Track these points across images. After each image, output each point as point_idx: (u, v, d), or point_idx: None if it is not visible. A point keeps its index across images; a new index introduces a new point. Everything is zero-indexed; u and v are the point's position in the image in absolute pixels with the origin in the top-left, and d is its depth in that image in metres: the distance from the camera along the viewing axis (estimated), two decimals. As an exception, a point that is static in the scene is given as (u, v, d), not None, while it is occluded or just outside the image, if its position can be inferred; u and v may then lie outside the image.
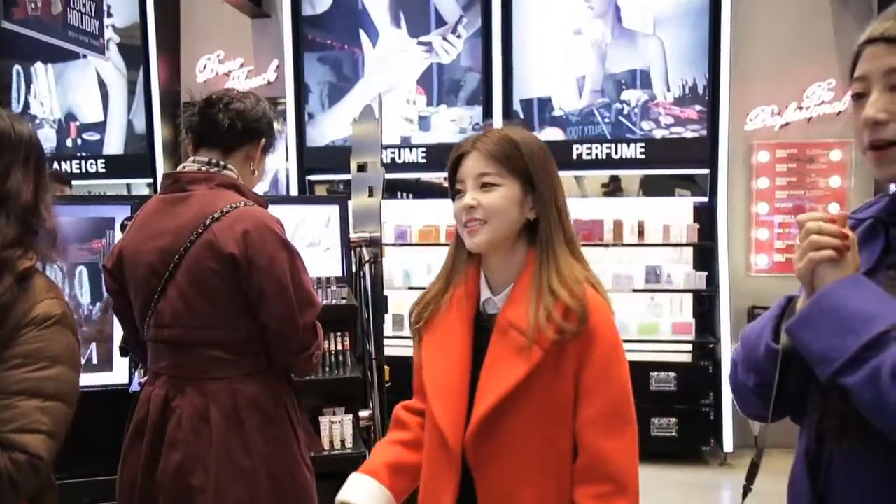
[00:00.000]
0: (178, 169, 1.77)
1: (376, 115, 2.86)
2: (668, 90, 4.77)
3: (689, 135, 4.77)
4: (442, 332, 1.33)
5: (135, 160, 5.66)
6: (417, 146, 5.10)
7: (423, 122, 5.10)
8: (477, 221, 1.27)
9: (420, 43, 5.16)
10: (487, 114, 4.96)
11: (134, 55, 5.56)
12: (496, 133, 1.31)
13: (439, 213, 4.97)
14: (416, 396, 1.45)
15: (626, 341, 1.40)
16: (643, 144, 4.78)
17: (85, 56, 5.66)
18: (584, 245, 1.41)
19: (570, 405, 1.26)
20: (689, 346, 4.70)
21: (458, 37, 5.10)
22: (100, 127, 5.79)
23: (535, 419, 1.25)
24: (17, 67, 5.87)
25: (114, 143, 5.77)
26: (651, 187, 5.11)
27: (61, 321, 1.24)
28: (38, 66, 5.83)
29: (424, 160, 5.02)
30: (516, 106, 4.98)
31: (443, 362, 1.31)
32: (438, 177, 5.19)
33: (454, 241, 1.38)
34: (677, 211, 4.85)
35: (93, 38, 4.17)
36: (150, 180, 5.62)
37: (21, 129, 1.32)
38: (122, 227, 2.46)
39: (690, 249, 4.85)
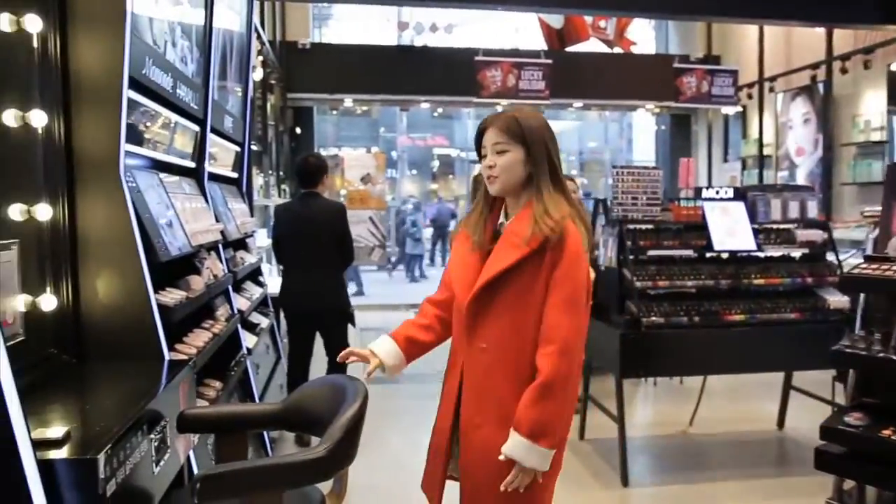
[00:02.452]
0: None
1: None
2: None
3: None
4: (471, 243, 2.01)
5: None
6: None
7: None
8: (493, 177, 1.95)
9: None
10: None
11: None
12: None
13: None
14: (441, 288, 2.14)
15: None
16: None
17: None
18: None
19: (539, 301, 1.88)
20: None
21: None
22: None
23: (513, 297, 1.89)
24: None
25: None
26: None
27: None
28: None
29: None
30: None
31: (469, 258, 2.00)
32: None
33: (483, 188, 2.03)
34: None
35: None
36: None
37: None
38: None
39: None
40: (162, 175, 3.03)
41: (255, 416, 2.14)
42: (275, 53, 9.15)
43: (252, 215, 5.21)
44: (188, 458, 2.39)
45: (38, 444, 1.48)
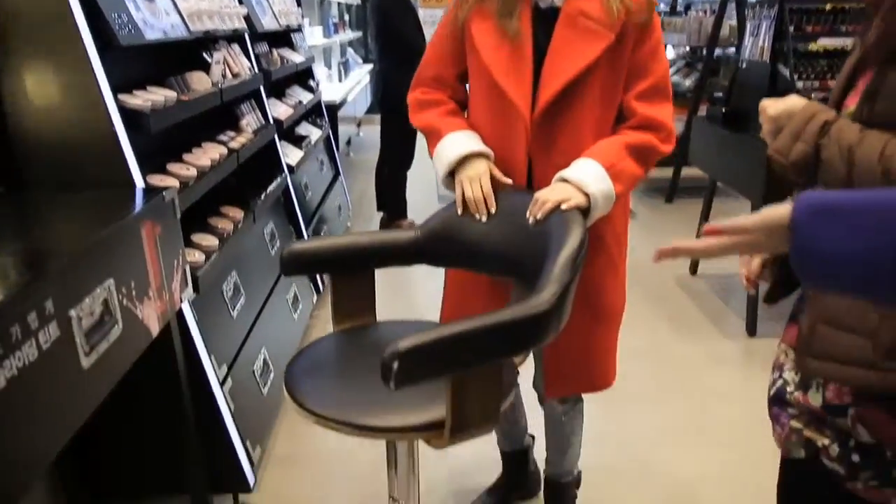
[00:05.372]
0: None
1: None
2: None
3: None
4: (497, 22, 1.42)
5: None
6: None
7: None
8: None
9: None
10: None
11: None
12: None
13: None
14: (428, 80, 1.57)
15: None
16: None
17: None
18: None
19: (622, 88, 1.45)
20: None
21: None
22: None
23: (596, 99, 1.42)
24: None
25: None
26: None
27: None
28: None
29: None
30: None
31: (507, 47, 1.41)
32: None
33: None
34: None
35: None
36: None
37: None
38: None
39: None
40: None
41: (385, 248, 1.51)
42: None
43: (299, 5, 4.31)
44: (183, 319, 1.78)
45: None
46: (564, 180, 1.39)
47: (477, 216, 1.44)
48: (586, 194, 1.37)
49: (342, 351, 1.41)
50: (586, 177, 1.38)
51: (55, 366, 1.11)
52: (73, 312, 1.16)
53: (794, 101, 1.11)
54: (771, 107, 1.11)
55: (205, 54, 2.42)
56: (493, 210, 1.43)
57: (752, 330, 3.16)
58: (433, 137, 1.52)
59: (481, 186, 1.42)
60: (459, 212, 1.45)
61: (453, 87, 1.58)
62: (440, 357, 1.03)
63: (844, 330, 1.04)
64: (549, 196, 1.36)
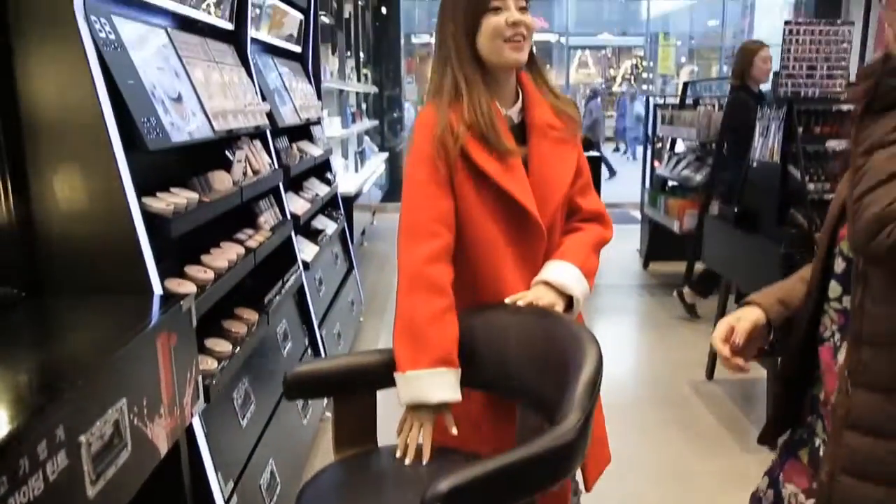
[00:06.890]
0: None
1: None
2: None
3: None
4: (490, 144, 1.45)
5: None
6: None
7: None
8: (522, 37, 1.44)
9: None
10: None
11: None
12: None
13: None
14: (436, 229, 1.44)
15: None
16: None
17: None
18: None
19: None
20: None
21: None
22: None
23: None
24: None
25: None
26: None
27: None
28: None
29: None
30: None
31: (504, 165, 1.45)
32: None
33: (460, 60, 1.46)
34: None
35: None
36: None
37: None
38: None
39: None
40: (175, 32, 2.24)
41: (388, 367, 1.44)
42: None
43: (320, 98, 4.40)
44: (193, 434, 1.71)
45: None
46: (546, 282, 1.47)
47: (400, 456, 1.38)
48: (568, 295, 1.47)
49: (351, 483, 1.35)
50: (568, 279, 1.48)
51: (60, 498, 1.04)
52: (83, 438, 1.10)
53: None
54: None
55: (227, 152, 2.45)
56: (423, 461, 1.36)
57: (773, 443, 3.04)
58: (418, 342, 1.40)
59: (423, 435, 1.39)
60: (398, 454, 1.39)
61: (450, 225, 1.47)
62: (480, 495, 0.99)
63: (871, 481, 0.98)
64: (536, 300, 1.45)
